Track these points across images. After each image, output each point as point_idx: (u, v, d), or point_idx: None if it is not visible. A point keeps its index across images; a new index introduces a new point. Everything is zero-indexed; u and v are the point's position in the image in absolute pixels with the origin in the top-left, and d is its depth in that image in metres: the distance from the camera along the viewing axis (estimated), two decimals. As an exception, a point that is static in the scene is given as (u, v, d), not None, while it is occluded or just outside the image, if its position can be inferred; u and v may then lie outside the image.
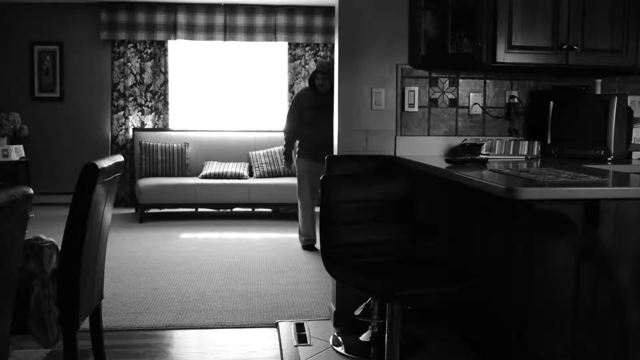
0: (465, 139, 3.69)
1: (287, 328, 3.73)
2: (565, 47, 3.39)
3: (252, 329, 3.80)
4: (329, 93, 5.63)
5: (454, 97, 3.79)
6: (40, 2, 8.10)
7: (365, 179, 3.10)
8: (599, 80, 3.79)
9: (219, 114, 8.51)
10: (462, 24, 3.47)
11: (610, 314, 2.39)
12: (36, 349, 3.25)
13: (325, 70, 5.76)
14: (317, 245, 5.95)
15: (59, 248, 2.47)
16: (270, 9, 8.32)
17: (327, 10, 8.31)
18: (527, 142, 3.65)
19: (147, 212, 7.55)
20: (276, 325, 3.81)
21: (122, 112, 8.32)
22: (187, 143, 7.96)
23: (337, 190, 2.81)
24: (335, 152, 3.78)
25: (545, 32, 3.37)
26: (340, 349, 3.38)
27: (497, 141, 3.66)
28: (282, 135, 8.18)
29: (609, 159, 3.42)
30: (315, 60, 8.46)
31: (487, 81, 3.81)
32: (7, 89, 8.21)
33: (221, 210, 7.72)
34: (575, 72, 3.72)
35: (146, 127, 8.31)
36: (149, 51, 8.32)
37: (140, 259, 5.52)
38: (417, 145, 3.72)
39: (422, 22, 3.59)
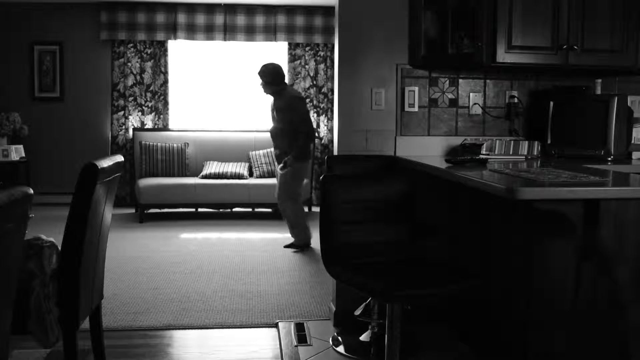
0: (465, 139, 3.69)
1: (287, 328, 3.73)
2: (565, 47, 3.39)
3: (252, 329, 3.80)
4: (275, 96, 5.78)
5: (454, 97, 3.79)
6: (40, 2, 8.10)
7: (365, 179, 3.10)
8: (599, 80, 3.79)
9: (219, 114, 8.50)
10: (462, 24, 3.47)
11: (610, 314, 2.39)
12: (36, 349, 3.25)
13: (260, 73, 5.81)
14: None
15: (59, 248, 2.47)
16: (270, 9, 8.32)
17: (327, 10, 8.30)
18: (527, 142, 3.65)
19: (147, 212, 7.55)
20: (276, 325, 3.81)
21: (122, 112, 8.32)
22: (187, 143, 7.96)
23: (337, 190, 2.81)
24: (335, 152, 3.78)
25: (545, 32, 3.37)
26: (340, 349, 3.38)
27: (497, 141, 3.66)
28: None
29: (609, 159, 3.42)
30: (316, 61, 8.46)
31: (487, 81, 3.81)
32: (7, 89, 8.21)
33: (221, 210, 7.72)
34: (575, 72, 3.72)
35: (146, 127, 8.31)
36: (149, 51, 8.32)
37: (140, 259, 5.52)
38: (417, 145, 3.72)
39: (422, 22, 3.59)
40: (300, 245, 5.97)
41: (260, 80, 5.78)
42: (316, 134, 6.06)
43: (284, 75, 5.86)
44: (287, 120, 5.74)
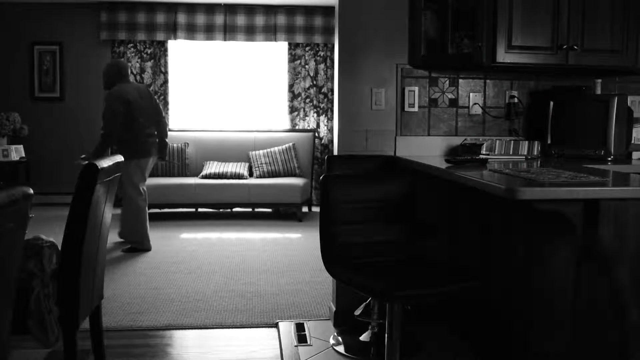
0: (465, 139, 3.69)
1: (287, 328, 3.73)
2: (565, 47, 3.39)
3: (252, 329, 3.80)
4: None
5: (454, 97, 3.79)
6: (40, 2, 8.10)
7: (365, 179, 3.10)
8: (599, 80, 3.79)
9: (219, 114, 8.50)
10: (462, 24, 3.47)
11: (610, 314, 2.39)
12: (36, 349, 3.25)
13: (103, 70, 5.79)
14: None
15: (59, 248, 2.47)
16: (270, 9, 8.32)
17: (327, 10, 8.30)
18: (527, 142, 3.65)
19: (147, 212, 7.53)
20: (276, 325, 3.81)
21: (122, 112, 8.31)
22: (187, 143, 7.96)
23: (337, 190, 2.81)
24: (335, 152, 3.78)
25: (545, 32, 3.37)
26: (340, 349, 3.38)
27: (497, 141, 3.66)
28: (280, 135, 8.25)
29: (609, 159, 3.42)
30: (316, 61, 8.46)
31: (487, 81, 3.81)
32: (7, 89, 8.21)
33: (221, 210, 7.72)
34: (575, 72, 3.72)
35: (146, 127, 8.30)
36: (149, 51, 8.32)
37: (140, 259, 5.52)
38: (417, 145, 3.72)
39: (422, 22, 3.59)
40: (132, 246, 5.77)
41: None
42: (110, 137, 5.70)
43: (117, 74, 5.68)
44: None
